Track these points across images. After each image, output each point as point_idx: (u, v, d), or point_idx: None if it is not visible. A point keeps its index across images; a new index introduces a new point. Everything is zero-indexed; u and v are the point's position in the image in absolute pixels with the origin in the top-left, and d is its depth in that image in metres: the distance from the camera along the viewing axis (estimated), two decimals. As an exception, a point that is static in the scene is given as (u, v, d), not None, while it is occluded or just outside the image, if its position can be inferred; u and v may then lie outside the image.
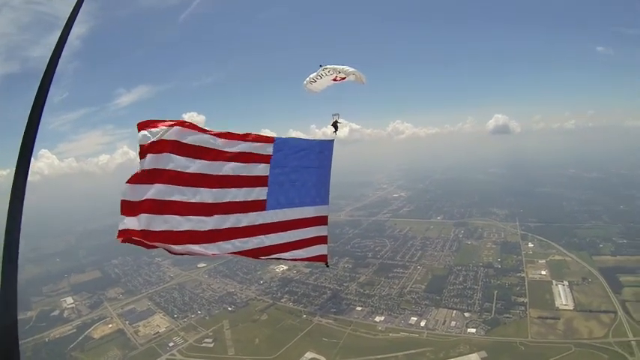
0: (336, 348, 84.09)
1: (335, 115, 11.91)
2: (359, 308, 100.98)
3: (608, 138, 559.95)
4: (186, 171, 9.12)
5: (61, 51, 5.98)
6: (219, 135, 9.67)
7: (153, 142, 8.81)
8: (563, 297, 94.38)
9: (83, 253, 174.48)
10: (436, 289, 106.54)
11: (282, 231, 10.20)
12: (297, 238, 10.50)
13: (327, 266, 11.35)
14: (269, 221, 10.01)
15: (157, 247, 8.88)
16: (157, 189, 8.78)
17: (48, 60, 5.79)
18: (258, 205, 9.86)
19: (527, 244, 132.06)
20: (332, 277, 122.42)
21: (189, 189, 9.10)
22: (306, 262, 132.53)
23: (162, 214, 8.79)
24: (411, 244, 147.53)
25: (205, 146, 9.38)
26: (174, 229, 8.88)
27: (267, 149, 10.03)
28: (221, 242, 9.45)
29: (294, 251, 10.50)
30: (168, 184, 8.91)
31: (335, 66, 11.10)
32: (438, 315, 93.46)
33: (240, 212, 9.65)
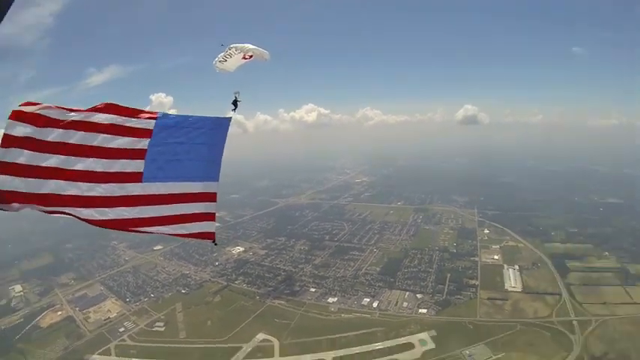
0: (287, 329, 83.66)
1: (236, 92, 11.48)
2: (312, 290, 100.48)
3: (570, 134, 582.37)
4: (64, 141, 9.23)
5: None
6: (102, 109, 9.70)
7: (35, 114, 8.97)
8: (512, 280, 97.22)
9: (37, 238, 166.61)
10: (391, 271, 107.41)
11: (161, 204, 9.97)
12: (180, 213, 10.21)
13: (215, 244, 10.94)
14: (146, 193, 9.82)
15: (23, 207, 9.01)
16: (32, 155, 8.91)
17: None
18: (134, 177, 9.72)
19: (484, 230, 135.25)
20: (287, 260, 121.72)
21: (65, 157, 9.21)
22: (262, 244, 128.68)
23: (34, 177, 8.93)
24: (369, 227, 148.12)
25: (84, 120, 9.47)
26: (45, 192, 9.03)
27: (149, 124, 9.97)
28: (94, 208, 9.43)
29: (175, 225, 10.23)
30: (45, 152, 9.05)
31: (237, 45, 11.49)
32: (391, 296, 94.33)
33: (114, 182, 9.56)
